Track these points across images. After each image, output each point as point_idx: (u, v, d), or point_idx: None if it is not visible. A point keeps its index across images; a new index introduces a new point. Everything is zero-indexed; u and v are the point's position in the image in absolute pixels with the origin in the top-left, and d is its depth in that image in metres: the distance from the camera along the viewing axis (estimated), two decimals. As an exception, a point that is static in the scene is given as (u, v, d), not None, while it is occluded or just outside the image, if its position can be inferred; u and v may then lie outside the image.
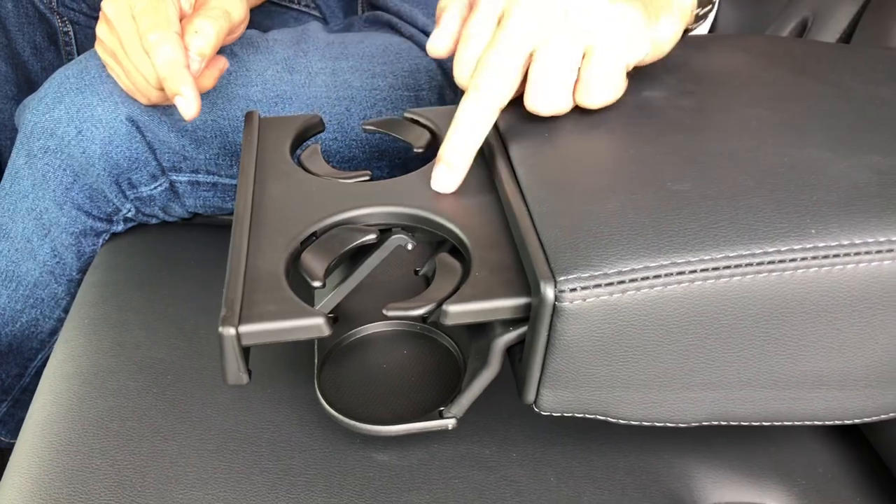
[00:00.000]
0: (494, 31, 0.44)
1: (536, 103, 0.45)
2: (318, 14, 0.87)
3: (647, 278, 0.37)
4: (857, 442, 0.56)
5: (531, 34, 0.43)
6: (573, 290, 0.37)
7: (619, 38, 0.44)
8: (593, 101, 0.45)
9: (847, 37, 0.66)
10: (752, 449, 0.53)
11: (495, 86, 0.43)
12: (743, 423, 0.43)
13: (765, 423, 0.43)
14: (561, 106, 0.45)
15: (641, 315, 0.37)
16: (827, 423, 0.43)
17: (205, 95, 0.63)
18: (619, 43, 0.44)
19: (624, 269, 0.37)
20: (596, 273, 0.37)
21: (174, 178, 0.66)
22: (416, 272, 0.54)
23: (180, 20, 0.57)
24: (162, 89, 0.57)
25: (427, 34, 0.74)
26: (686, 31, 0.51)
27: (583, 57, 0.44)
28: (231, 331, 0.38)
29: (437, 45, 0.49)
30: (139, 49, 0.56)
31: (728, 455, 0.53)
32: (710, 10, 0.51)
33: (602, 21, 0.43)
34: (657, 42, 0.47)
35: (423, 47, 0.74)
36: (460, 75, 0.46)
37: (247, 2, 0.61)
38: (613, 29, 0.44)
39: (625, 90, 0.47)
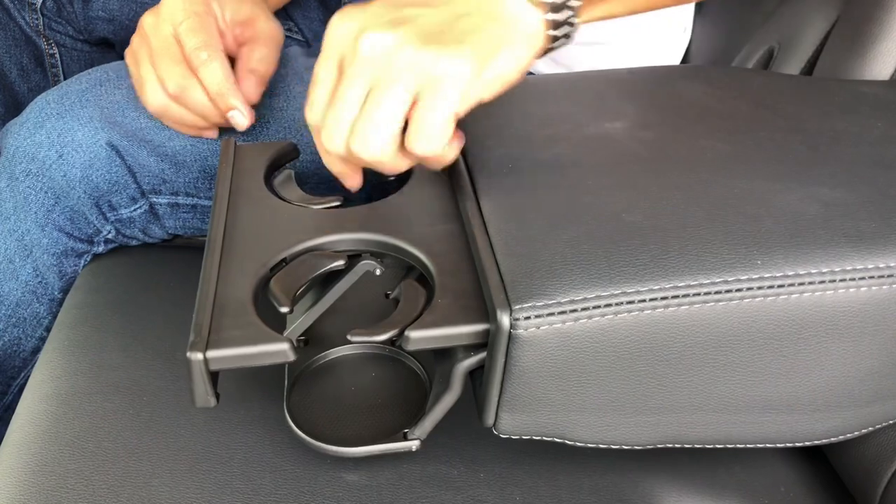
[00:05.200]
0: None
1: (357, 148, 0.45)
2: (301, 38, 0.89)
3: (599, 307, 0.38)
4: (819, 461, 0.57)
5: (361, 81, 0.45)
6: (528, 318, 0.38)
7: (443, 88, 0.43)
8: (415, 149, 0.45)
9: (811, 66, 0.67)
10: (715, 468, 0.54)
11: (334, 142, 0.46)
12: (697, 446, 0.45)
13: (718, 446, 0.45)
14: (384, 152, 0.45)
15: (593, 342, 0.39)
16: (779, 445, 0.45)
17: (184, 121, 0.65)
18: (443, 93, 0.43)
19: (576, 299, 0.38)
20: (550, 302, 0.38)
21: (154, 200, 0.67)
22: (387, 296, 0.56)
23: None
24: (176, 98, 0.61)
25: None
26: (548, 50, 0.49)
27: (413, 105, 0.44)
28: (199, 356, 0.40)
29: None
30: (170, 61, 0.59)
31: (692, 474, 0.54)
32: (572, 30, 0.48)
33: (426, 71, 0.43)
34: (495, 80, 0.45)
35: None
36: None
37: None
38: (437, 79, 0.43)
39: (572, 124, 0.49)
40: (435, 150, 0.45)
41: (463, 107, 0.44)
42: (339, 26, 0.46)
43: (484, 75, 0.44)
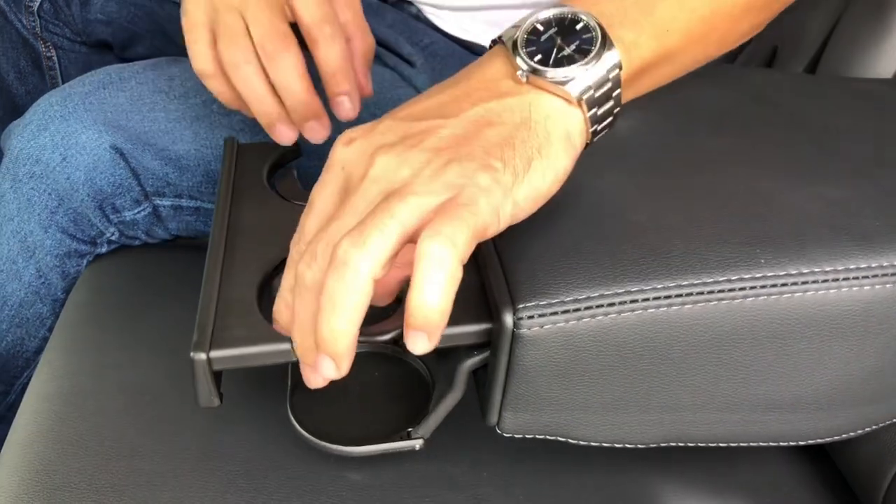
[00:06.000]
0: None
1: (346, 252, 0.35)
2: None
3: (602, 306, 0.38)
4: (822, 461, 0.57)
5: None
6: (531, 317, 0.38)
7: (464, 215, 0.35)
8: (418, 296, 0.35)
9: (814, 64, 0.67)
10: (718, 467, 0.54)
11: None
12: (700, 445, 0.45)
13: (721, 445, 0.45)
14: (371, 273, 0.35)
15: (597, 341, 0.39)
16: (782, 444, 0.45)
17: (188, 125, 0.65)
18: (463, 221, 0.35)
19: (580, 298, 0.38)
20: (553, 301, 0.38)
21: (157, 202, 0.67)
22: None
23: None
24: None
25: (411, 64, 0.75)
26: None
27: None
28: (202, 356, 0.40)
29: None
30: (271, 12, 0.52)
31: (695, 473, 0.54)
32: (615, 119, 0.41)
33: (445, 192, 0.36)
34: (529, 198, 0.38)
35: (405, 77, 0.75)
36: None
37: None
38: (458, 205, 0.35)
39: None
40: (440, 300, 0.35)
41: (483, 236, 0.36)
42: (346, 148, 0.39)
43: (516, 195, 0.37)
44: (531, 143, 0.38)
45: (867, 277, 0.40)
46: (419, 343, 0.36)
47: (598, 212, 0.43)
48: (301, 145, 0.59)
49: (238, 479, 0.50)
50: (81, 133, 0.63)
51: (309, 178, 0.69)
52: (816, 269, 0.39)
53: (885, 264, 0.40)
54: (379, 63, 0.77)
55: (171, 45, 0.86)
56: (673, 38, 0.42)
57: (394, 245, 0.35)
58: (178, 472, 0.51)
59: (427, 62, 0.74)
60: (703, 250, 0.40)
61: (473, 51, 0.76)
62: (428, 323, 0.35)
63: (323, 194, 0.39)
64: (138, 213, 0.67)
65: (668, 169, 0.46)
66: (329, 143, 0.69)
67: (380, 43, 0.78)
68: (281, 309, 0.40)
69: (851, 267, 0.40)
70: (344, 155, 0.39)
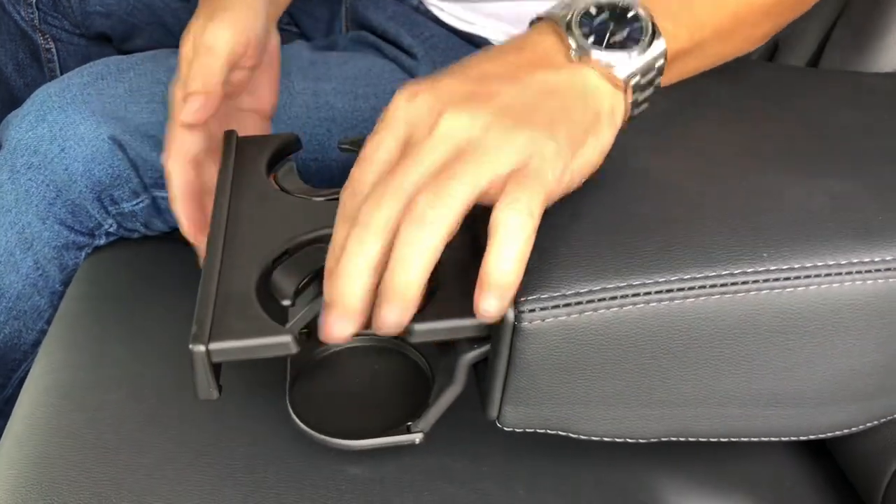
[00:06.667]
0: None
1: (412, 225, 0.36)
2: (297, 30, 0.89)
3: (604, 300, 0.38)
4: (823, 457, 0.57)
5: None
6: (532, 310, 0.38)
7: (533, 179, 0.37)
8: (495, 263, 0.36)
9: (815, 58, 0.67)
10: (720, 463, 0.54)
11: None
12: (702, 439, 0.44)
13: (723, 440, 0.45)
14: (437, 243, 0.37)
15: (598, 335, 0.39)
16: (783, 438, 0.45)
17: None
18: (532, 184, 0.37)
19: (581, 291, 0.38)
20: (555, 294, 0.38)
21: (156, 194, 0.67)
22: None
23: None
24: None
25: (412, 56, 0.75)
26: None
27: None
28: (201, 348, 0.40)
29: None
30: None
31: (695, 468, 0.54)
32: (650, 104, 0.44)
33: (515, 157, 0.37)
34: (581, 168, 0.40)
35: (406, 69, 0.75)
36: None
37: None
38: (528, 168, 0.37)
39: None
40: (516, 267, 0.36)
41: (548, 203, 0.38)
42: (409, 102, 0.39)
43: (573, 164, 0.39)
44: (586, 117, 0.39)
45: (870, 272, 0.40)
46: (493, 304, 0.37)
47: (600, 204, 0.43)
48: (301, 138, 0.59)
49: (237, 472, 0.50)
50: (80, 124, 0.63)
51: (308, 172, 0.69)
52: (819, 263, 0.39)
53: (888, 258, 0.40)
54: (379, 55, 0.76)
55: (169, 37, 0.86)
56: (705, 32, 0.44)
57: (467, 207, 0.36)
58: (177, 465, 0.50)
59: (428, 54, 0.74)
60: (706, 244, 0.40)
61: (474, 43, 0.76)
62: (504, 287, 0.37)
63: (381, 147, 0.39)
64: (137, 204, 0.67)
65: (672, 162, 0.46)
66: (330, 143, 0.69)
67: (380, 35, 0.78)
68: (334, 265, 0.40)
69: (854, 261, 0.40)
70: (409, 109, 0.39)
